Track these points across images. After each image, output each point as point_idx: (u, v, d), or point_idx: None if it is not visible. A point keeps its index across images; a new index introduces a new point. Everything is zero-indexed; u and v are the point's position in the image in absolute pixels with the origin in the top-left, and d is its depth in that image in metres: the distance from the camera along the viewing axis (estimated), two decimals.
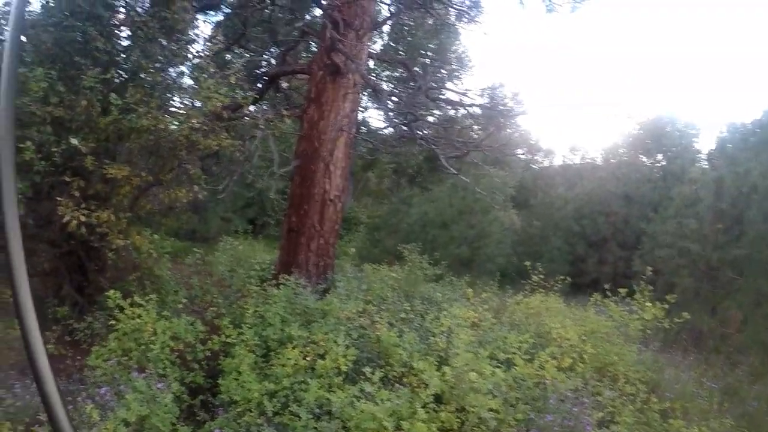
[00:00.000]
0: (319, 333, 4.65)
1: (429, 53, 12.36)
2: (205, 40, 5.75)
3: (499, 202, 12.66)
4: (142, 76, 5.14)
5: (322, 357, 4.43)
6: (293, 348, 4.35)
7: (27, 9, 5.40)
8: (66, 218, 4.16)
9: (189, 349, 4.30)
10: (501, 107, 12.30)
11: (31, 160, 4.23)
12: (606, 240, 16.47)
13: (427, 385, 3.83)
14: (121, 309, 4.09)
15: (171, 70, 5.70)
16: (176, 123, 4.78)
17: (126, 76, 5.09)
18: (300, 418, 3.55)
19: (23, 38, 5.34)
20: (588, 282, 13.96)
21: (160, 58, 5.35)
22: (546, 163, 27.64)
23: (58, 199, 4.45)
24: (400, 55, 12.15)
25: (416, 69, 10.57)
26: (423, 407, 3.54)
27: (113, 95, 4.50)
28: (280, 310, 4.69)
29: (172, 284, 5.12)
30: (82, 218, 4.19)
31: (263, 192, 10.49)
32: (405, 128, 8.96)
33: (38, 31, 4.79)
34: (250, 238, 10.87)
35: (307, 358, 4.36)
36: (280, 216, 15.08)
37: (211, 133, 4.81)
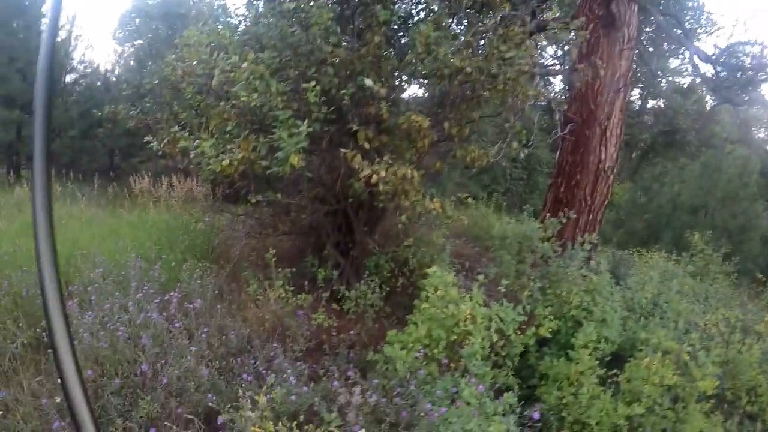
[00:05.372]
0: (667, 338, 3.43)
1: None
2: None
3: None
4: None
5: (680, 372, 3.26)
6: (646, 357, 3.22)
7: None
8: (365, 172, 3.47)
9: (502, 341, 3.43)
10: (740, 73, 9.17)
11: (314, 103, 3.59)
12: None
13: None
14: (435, 288, 3.31)
15: None
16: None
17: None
18: None
19: None
20: None
21: None
22: None
23: (343, 150, 3.80)
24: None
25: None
26: None
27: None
28: (617, 305, 3.54)
29: (446, 256, 4.31)
30: (383, 174, 3.45)
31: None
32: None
33: None
34: (480, 204, 10.08)
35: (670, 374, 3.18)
36: (511, 184, 14.03)
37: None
